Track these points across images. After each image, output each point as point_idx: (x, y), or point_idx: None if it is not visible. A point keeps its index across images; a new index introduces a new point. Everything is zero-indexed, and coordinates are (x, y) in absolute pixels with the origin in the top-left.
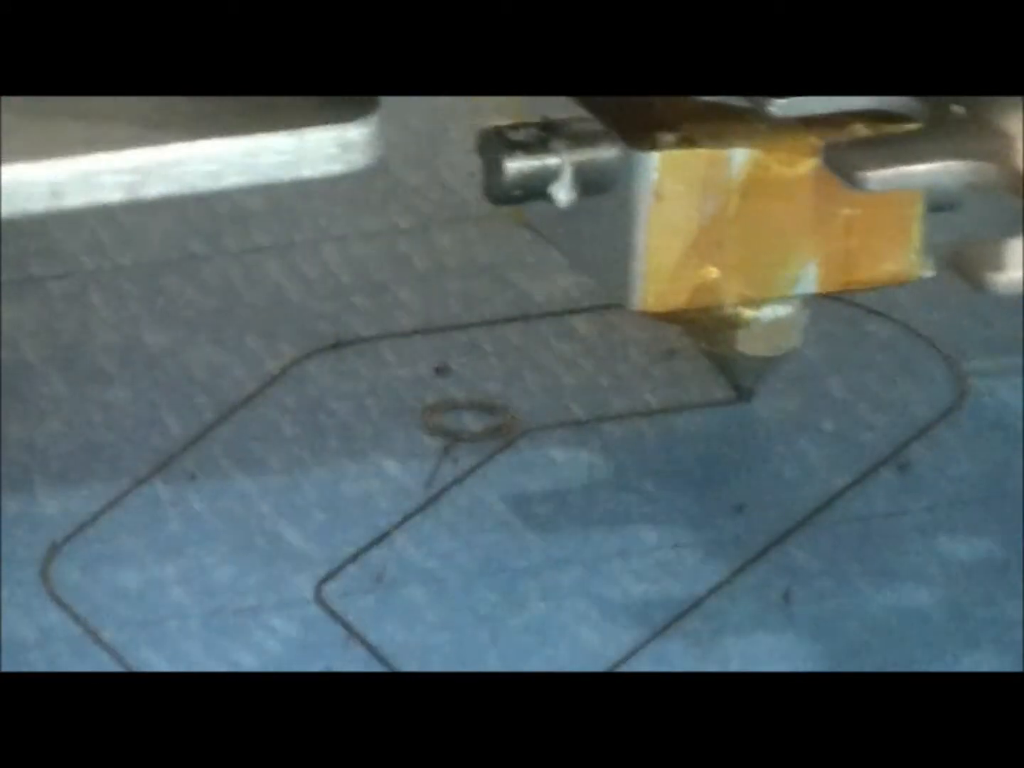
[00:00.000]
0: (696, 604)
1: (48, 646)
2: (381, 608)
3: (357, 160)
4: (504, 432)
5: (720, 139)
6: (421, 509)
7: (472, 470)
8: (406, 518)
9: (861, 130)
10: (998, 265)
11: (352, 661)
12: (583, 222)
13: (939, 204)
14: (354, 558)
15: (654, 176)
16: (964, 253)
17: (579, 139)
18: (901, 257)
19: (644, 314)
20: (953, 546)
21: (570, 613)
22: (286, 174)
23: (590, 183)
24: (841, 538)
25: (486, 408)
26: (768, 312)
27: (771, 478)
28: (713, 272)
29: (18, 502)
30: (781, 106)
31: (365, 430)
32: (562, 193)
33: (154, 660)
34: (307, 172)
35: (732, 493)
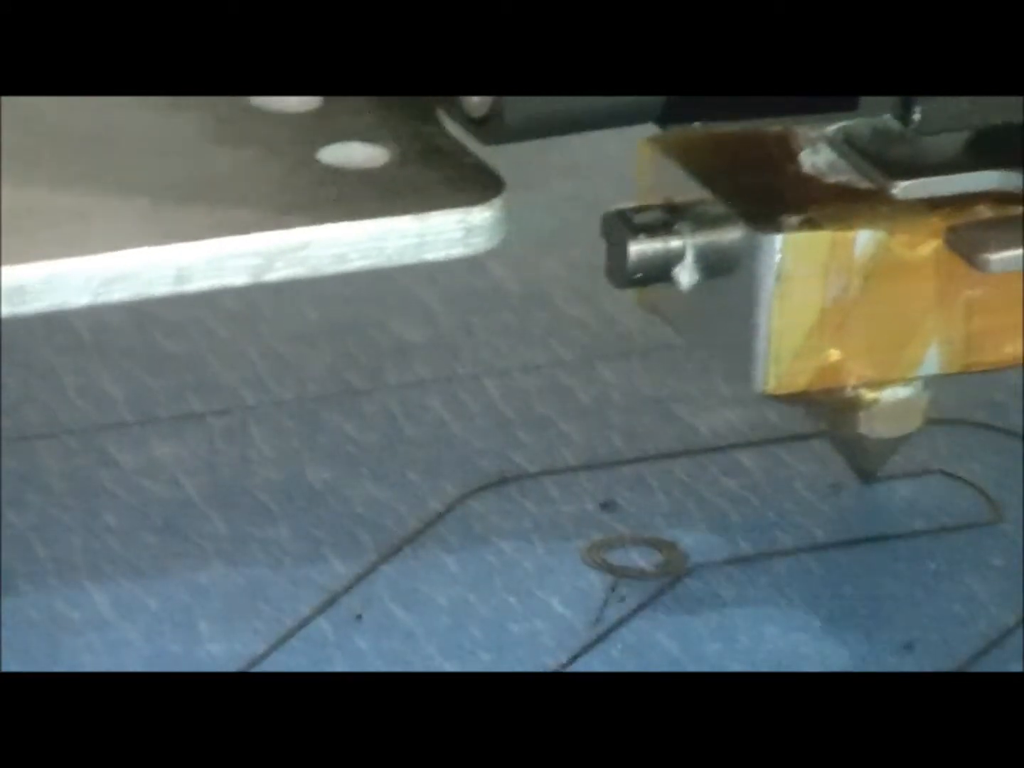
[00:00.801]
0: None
1: None
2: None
3: (480, 243)
4: (671, 569)
5: (844, 221)
6: (588, 648)
7: (639, 608)
8: (574, 658)
9: (984, 211)
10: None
11: None
12: (707, 304)
13: None
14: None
15: (778, 258)
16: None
17: (702, 221)
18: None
19: (768, 396)
20: None
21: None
22: (410, 257)
23: (713, 265)
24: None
25: (652, 544)
26: (890, 394)
27: (940, 615)
28: (836, 354)
29: (182, 643)
30: (905, 188)
31: (531, 568)
32: (685, 275)
33: None
34: (430, 255)
35: (900, 630)
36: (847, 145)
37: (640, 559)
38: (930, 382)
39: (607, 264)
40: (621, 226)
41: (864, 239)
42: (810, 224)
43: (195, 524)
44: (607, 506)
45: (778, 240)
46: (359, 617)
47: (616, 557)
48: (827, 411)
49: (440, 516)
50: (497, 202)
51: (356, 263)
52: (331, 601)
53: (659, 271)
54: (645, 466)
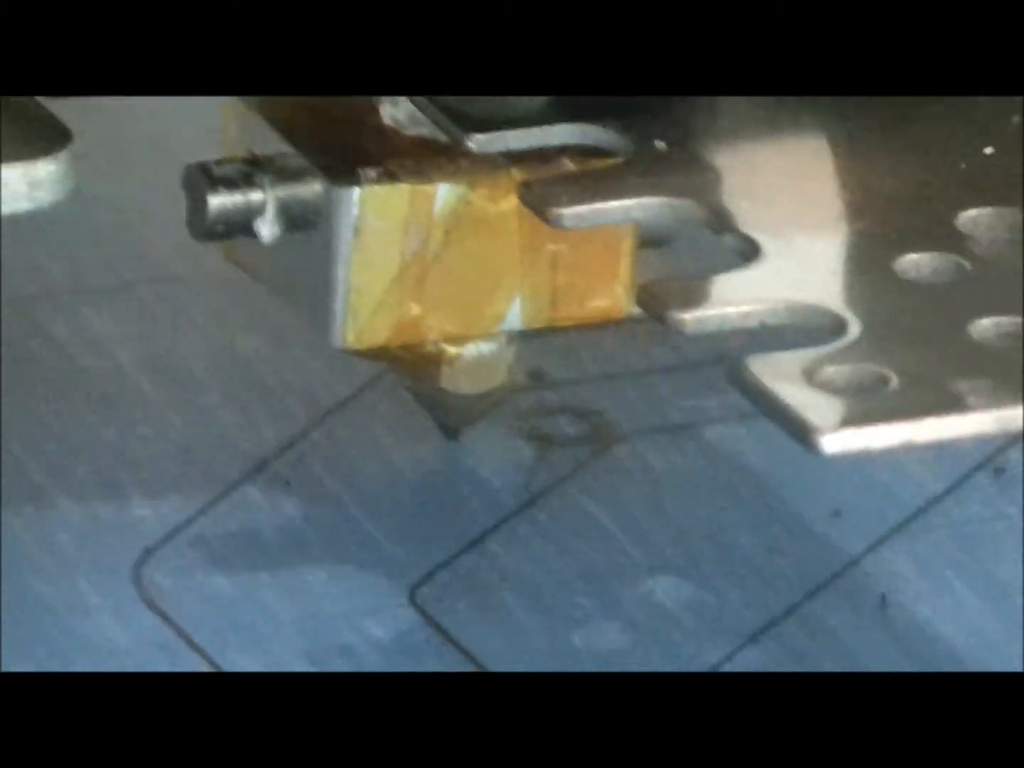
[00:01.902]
0: (792, 610)
1: (141, 652)
2: (475, 613)
3: (44, 197)
4: (600, 438)
5: (423, 174)
6: (516, 513)
7: (568, 475)
8: (501, 522)
9: (567, 165)
10: (684, 303)
11: (447, 665)
12: (289, 259)
13: (650, 240)
14: (448, 563)
15: (355, 212)
16: (650, 289)
17: (283, 174)
18: (609, 293)
19: (347, 352)
20: None
21: (665, 619)
22: None
23: (294, 219)
24: (936, 543)
25: (581, 413)
26: (472, 349)
27: (868, 484)
28: (416, 309)
29: (111, 508)
30: (481, 141)
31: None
32: (265, 229)
33: (247, 664)
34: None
35: (829, 499)
36: (426, 98)
37: (569, 428)
38: (515, 337)
39: (188, 217)
40: (201, 179)
41: (444, 193)
42: (389, 177)
43: (126, 392)
44: (536, 375)
45: (355, 193)
46: (287, 483)
47: (545, 426)
48: (409, 366)
49: (369, 383)
50: (63, 155)
51: None
52: (260, 467)
53: (240, 224)
54: (575, 335)
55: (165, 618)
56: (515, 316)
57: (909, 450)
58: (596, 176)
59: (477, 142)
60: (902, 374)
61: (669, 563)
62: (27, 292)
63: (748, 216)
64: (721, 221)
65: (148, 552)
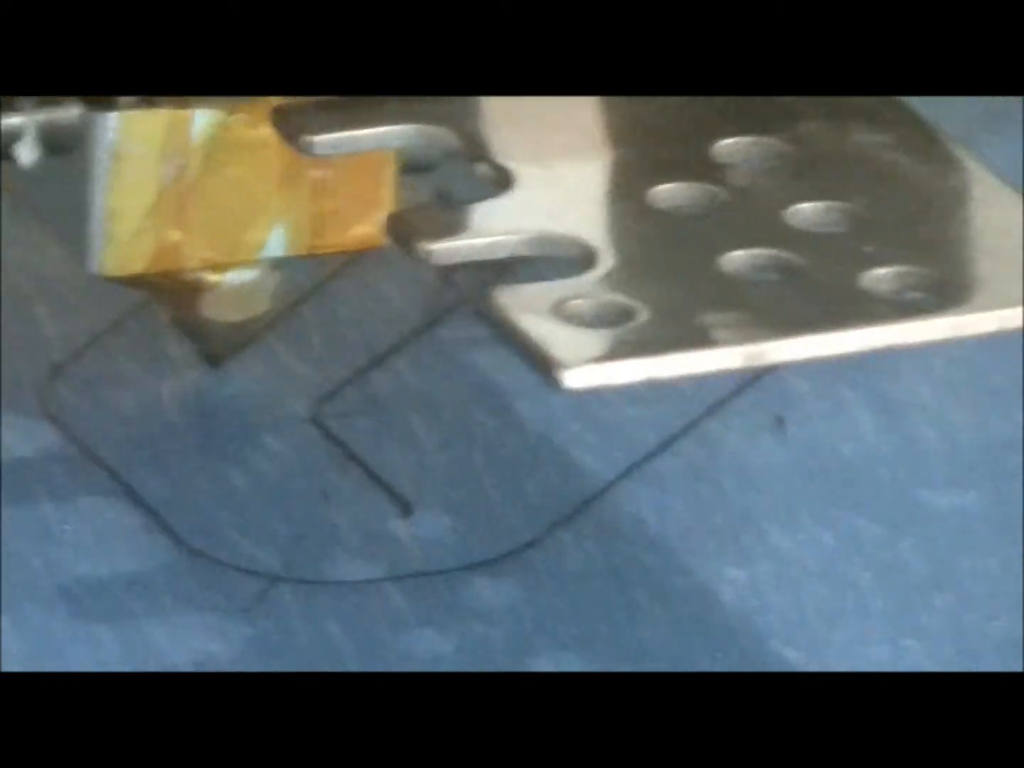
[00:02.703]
0: (691, 426)
1: (47, 467)
2: (377, 429)
3: None
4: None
5: (182, 100)
6: (418, 334)
7: (468, 297)
8: (403, 341)
9: None
10: (435, 233)
11: (348, 479)
12: (51, 184)
13: (414, 167)
14: (351, 380)
15: (113, 137)
16: (401, 218)
17: (44, 99)
18: (373, 220)
19: (106, 279)
20: (952, 373)
21: (565, 435)
22: None
23: (54, 144)
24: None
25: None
26: (234, 276)
27: None
28: (175, 235)
29: (18, 326)
30: None
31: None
32: (24, 153)
33: (149, 480)
34: None
35: None
36: None
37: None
38: (279, 264)
39: None
40: None
41: (202, 118)
42: (146, 102)
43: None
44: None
45: (112, 118)
46: None
47: None
48: (170, 295)
49: None
50: None
51: None
52: None
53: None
54: None
55: (70, 435)
56: (277, 243)
57: (655, 383)
58: (350, 103)
59: None
60: (651, 308)
61: None
62: None
63: (505, 144)
64: (475, 150)
65: (55, 369)
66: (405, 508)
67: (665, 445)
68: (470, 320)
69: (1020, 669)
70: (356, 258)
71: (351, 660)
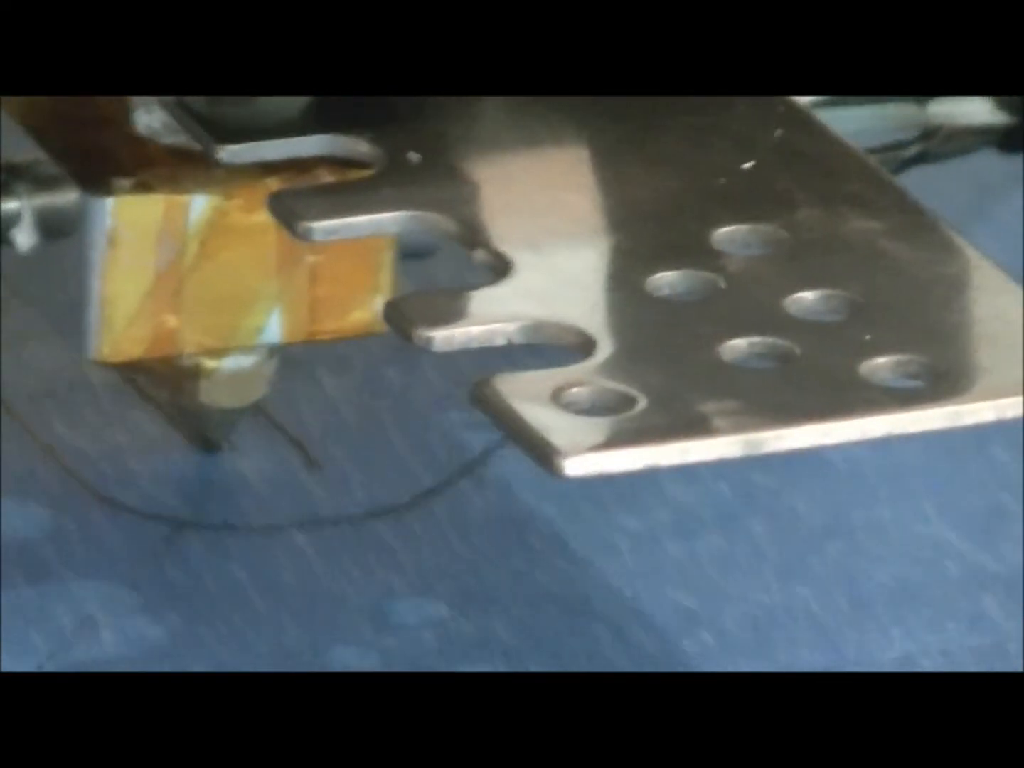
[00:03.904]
0: None
1: None
2: (287, 383)
3: None
4: None
5: (179, 184)
6: None
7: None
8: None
9: (323, 176)
10: (432, 320)
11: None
12: (46, 268)
13: (412, 252)
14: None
15: (109, 222)
16: (397, 305)
17: (40, 182)
18: (370, 306)
19: (103, 364)
20: None
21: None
22: None
23: (51, 228)
24: None
25: None
26: (231, 362)
27: None
28: (172, 321)
29: None
30: (232, 152)
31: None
32: (22, 238)
33: (59, 428)
34: None
35: None
36: (180, 107)
37: None
38: (276, 350)
39: None
40: None
41: (199, 204)
42: (142, 187)
43: None
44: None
45: (109, 203)
46: None
47: None
48: (167, 380)
49: None
50: None
51: None
52: None
53: None
54: None
55: None
56: (274, 329)
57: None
58: (347, 188)
59: (229, 152)
60: (650, 395)
61: None
62: None
63: (502, 230)
64: (472, 236)
65: None
66: (311, 461)
67: None
68: None
69: (1019, 669)
70: None
71: (259, 605)
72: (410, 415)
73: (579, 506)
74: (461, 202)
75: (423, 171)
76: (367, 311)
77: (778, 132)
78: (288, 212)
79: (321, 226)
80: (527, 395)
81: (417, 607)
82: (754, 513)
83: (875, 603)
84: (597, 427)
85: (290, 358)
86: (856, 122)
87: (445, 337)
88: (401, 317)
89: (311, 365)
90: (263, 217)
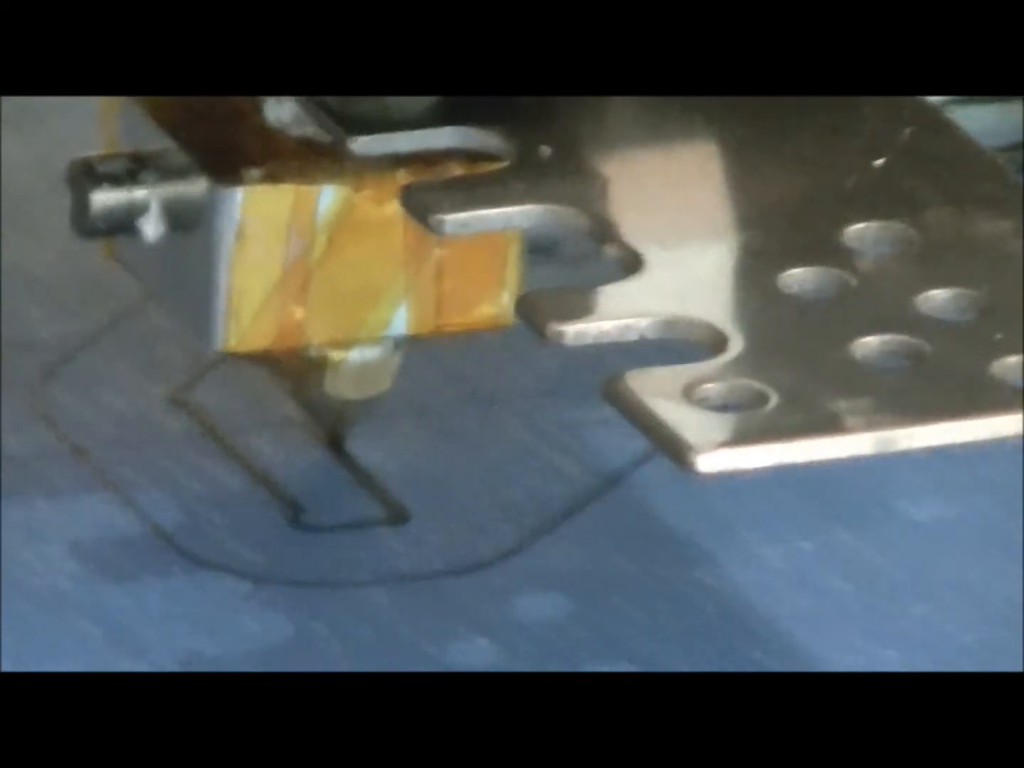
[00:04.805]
0: None
1: (39, 466)
2: (365, 433)
3: None
4: None
5: (308, 176)
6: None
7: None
8: (378, 408)
9: (452, 169)
10: (563, 315)
11: (336, 484)
12: (172, 258)
13: (538, 247)
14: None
15: (237, 213)
16: (529, 300)
17: (168, 172)
18: (496, 300)
19: (229, 355)
20: None
21: (549, 444)
22: None
23: (178, 218)
24: None
25: None
26: (356, 355)
27: None
28: (299, 313)
29: (12, 327)
30: (363, 143)
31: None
32: (150, 228)
33: (137, 478)
34: None
35: None
36: (310, 99)
37: None
38: (401, 342)
39: (71, 213)
40: (84, 175)
41: (328, 196)
42: (271, 178)
43: (28, 215)
44: None
45: (238, 194)
46: None
47: None
48: (293, 372)
49: None
50: None
51: None
52: None
53: (123, 222)
54: None
55: (61, 434)
56: (400, 322)
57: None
58: (479, 182)
59: (359, 144)
60: (781, 392)
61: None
62: None
63: (632, 226)
64: (604, 231)
65: (49, 370)
66: (399, 514)
67: (649, 454)
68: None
69: (1020, 669)
70: None
71: (337, 661)
72: (489, 466)
73: (663, 565)
74: (592, 197)
75: (554, 166)
76: (493, 305)
77: (907, 131)
78: (420, 205)
79: (453, 219)
80: (659, 391)
81: (494, 666)
82: (837, 572)
83: (962, 666)
84: (730, 423)
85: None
86: (983, 121)
87: (577, 332)
88: (533, 312)
89: (389, 411)
90: (392, 210)
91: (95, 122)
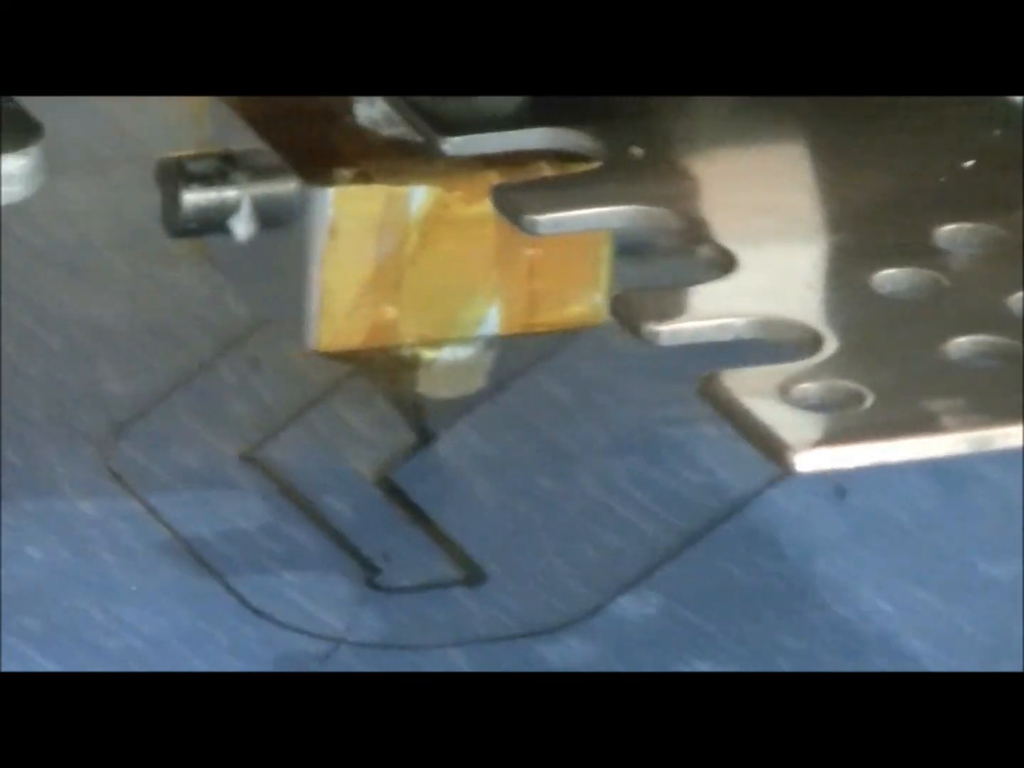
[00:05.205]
0: (753, 495)
1: (109, 524)
2: (440, 492)
3: (17, 192)
4: None
5: (399, 176)
6: (487, 397)
7: (536, 360)
8: (470, 406)
9: (543, 169)
10: (659, 314)
11: (411, 544)
12: (263, 257)
13: (629, 247)
14: (417, 445)
15: (329, 212)
16: (624, 299)
17: (258, 172)
18: (587, 299)
19: (321, 355)
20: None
21: (625, 501)
22: None
23: (269, 217)
24: None
25: None
26: (449, 353)
27: None
28: (391, 312)
29: (81, 382)
30: (455, 144)
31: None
32: (241, 227)
33: (210, 537)
34: None
35: None
36: (402, 99)
37: None
38: (493, 342)
39: (162, 212)
40: (175, 174)
41: (419, 195)
42: (363, 178)
43: (98, 267)
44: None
45: (330, 193)
46: (257, 361)
47: None
48: (385, 370)
49: None
50: (34, 150)
51: None
52: (230, 345)
53: (214, 221)
54: None
55: (132, 491)
56: (492, 321)
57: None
58: (571, 182)
59: (452, 144)
60: (877, 392)
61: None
62: None
63: (724, 226)
64: (697, 231)
65: (119, 427)
66: (475, 575)
67: (727, 513)
68: (533, 384)
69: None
70: None
71: None
72: (564, 525)
73: (743, 625)
74: (684, 197)
75: (646, 166)
76: (585, 305)
77: (996, 132)
78: (512, 205)
79: (546, 219)
80: (754, 390)
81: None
82: (917, 632)
83: None
84: (825, 423)
85: (441, 461)
86: None
87: (673, 331)
88: (629, 311)
89: (464, 471)
90: (483, 209)
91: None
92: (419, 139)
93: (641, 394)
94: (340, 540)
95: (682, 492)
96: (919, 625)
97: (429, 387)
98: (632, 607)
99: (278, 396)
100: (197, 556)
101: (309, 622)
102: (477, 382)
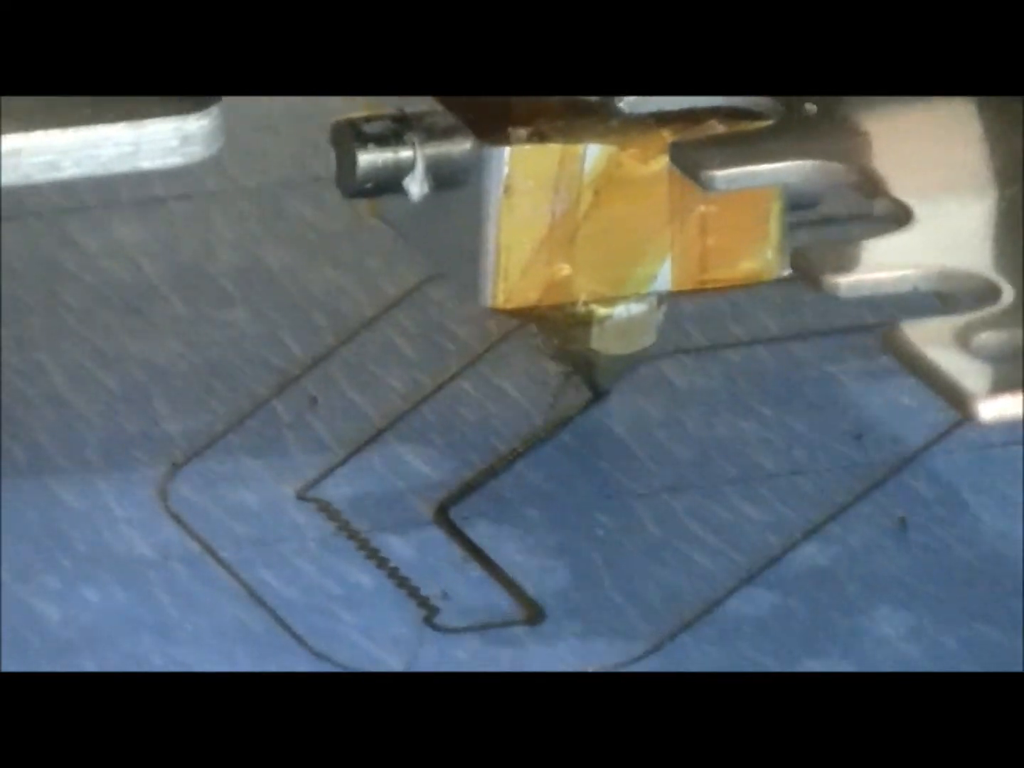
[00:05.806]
0: (814, 530)
1: (166, 565)
2: (499, 530)
3: (196, 152)
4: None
5: (572, 135)
6: (549, 436)
7: (596, 397)
8: (529, 443)
9: (716, 127)
10: (838, 267)
11: (470, 582)
12: (437, 218)
13: (798, 202)
14: (476, 481)
15: (505, 171)
16: (805, 253)
17: (432, 132)
18: (759, 255)
19: (496, 311)
20: None
21: (685, 538)
22: (126, 165)
23: (443, 177)
24: (958, 466)
25: None
26: (622, 310)
27: (889, 406)
28: (565, 269)
29: (138, 422)
30: (631, 102)
31: (486, 354)
32: (415, 187)
33: (270, 579)
34: (146, 163)
35: (850, 421)
36: None
37: None
38: (664, 298)
39: (336, 173)
40: (350, 135)
41: (593, 153)
42: (538, 137)
43: (154, 306)
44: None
45: (505, 152)
46: (314, 400)
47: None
48: (558, 327)
49: (397, 302)
50: (214, 111)
51: (69, 171)
52: (287, 383)
53: (389, 181)
54: None
55: (190, 532)
56: (665, 277)
57: None
58: (746, 138)
59: (628, 102)
60: None
61: (689, 482)
62: (59, 205)
63: (898, 180)
64: (873, 185)
65: (175, 467)
66: (535, 613)
67: (787, 548)
68: (591, 420)
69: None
70: (473, 355)
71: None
72: (623, 563)
73: (804, 661)
74: (858, 152)
75: (819, 122)
76: (756, 260)
77: None
78: (690, 161)
79: (724, 175)
80: (936, 340)
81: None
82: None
83: None
84: (1007, 371)
85: (500, 498)
86: None
87: (852, 284)
88: (809, 264)
89: (518, 505)
90: (656, 167)
91: (215, 204)
92: (593, 98)
93: (698, 429)
94: (398, 579)
95: (742, 527)
96: (983, 662)
97: (602, 343)
98: (691, 642)
99: (334, 434)
100: (255, 596)
101: (368, 662)
102: (650, 337)
